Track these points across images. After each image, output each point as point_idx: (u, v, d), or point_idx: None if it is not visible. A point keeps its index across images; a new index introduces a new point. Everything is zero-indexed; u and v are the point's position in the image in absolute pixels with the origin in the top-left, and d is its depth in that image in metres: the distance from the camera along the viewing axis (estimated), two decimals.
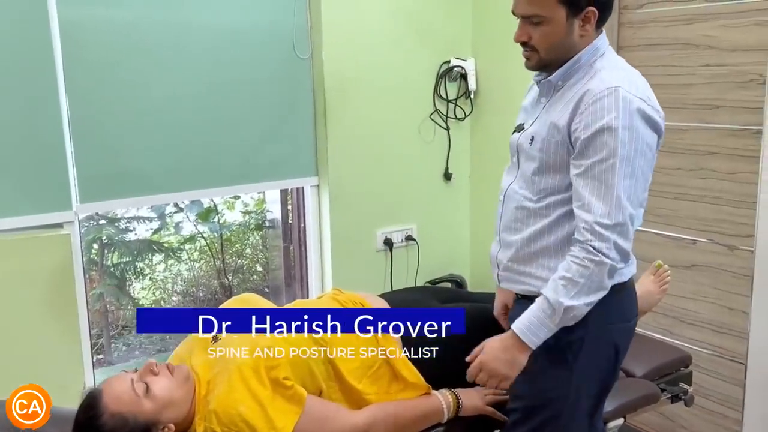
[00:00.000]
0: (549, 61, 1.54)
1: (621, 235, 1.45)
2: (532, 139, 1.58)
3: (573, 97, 1.50)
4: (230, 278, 4.37)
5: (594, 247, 1.44)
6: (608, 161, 1.43)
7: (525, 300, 1.64)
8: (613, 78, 1.47)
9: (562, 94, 1.55)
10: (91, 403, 1.50)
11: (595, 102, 1.44)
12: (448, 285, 3.19)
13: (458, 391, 1.76)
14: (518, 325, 1.50)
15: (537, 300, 1.50)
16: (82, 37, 2.31)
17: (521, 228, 1.61)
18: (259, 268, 4.47)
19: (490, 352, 1.54)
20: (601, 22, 1.54)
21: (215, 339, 1.66)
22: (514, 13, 1.55)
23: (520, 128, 1.67)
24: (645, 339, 2.31)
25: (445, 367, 1.79)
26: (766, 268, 2.27)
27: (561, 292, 1.46)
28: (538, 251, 1.59)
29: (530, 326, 1.49)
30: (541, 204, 1.58)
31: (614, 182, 1.43)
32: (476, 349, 1.58)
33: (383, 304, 1.86)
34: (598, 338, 1.56)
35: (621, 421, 1.90)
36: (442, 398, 1.73)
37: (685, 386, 2.09)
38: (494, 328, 1.84)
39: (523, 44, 1.55)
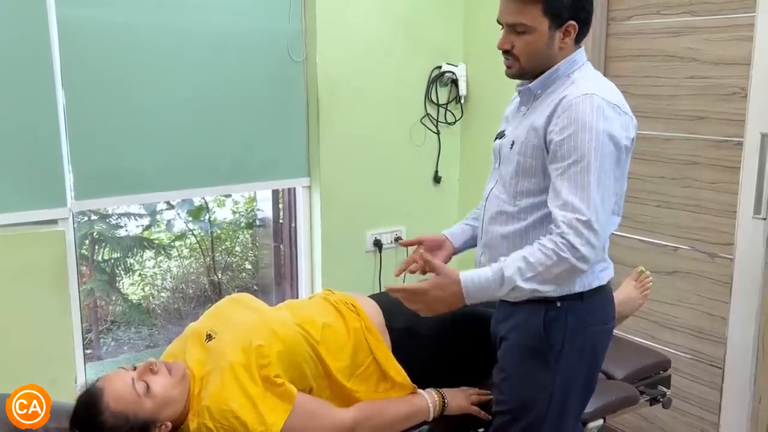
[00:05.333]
0: (529, 69, 1.61)
1: (594, 234, 1.47)
2: (513, 143, 1.63)
3: (550, 103, 1.56)
4: (220, 275, 4.40)
5: (568, 241, 1.46)
6: (582, 163, 1.47)
7: (507, 303, 1.69)
8: (588, 85, 1.54)
9: (541, 102, 1.61)
10: (92, 400, 1.52)
11: (571, 107, 1.50)
12: None
13: (444, 390, 1.81)
14: (466, 281, 1.52)
15: (493, 266, 1.52)
16: (80, 37, 2.34)
17: (501, 231, 1.66)
18: (249, 266, 4.50)
19: (436, 288, 1.56)
20: (580, 37, 1.61)
21: (209, 337, 1.70)
22: (499, 22, 1.62)
23: (501, 135, 1.73)
24: (626, 342, 2.36)
25: (433, 369, 1.85)
26: (745, 276, 2.33)
27: (517, 271, 1.48)
28: None
29: (475, 286, 1.52)
30: (518, 207, 1.62)
31: (589, 183, 1.47)
32: (422, 284, 1.59)
33: (373, 305, 1.90)
34: (578, 341, 1.61)
35: (600, 422, 1.94)
36: (429, 397, 1.78)
37: (664, 389, 2.15)
38: (481, 329, 1.89)
39: (506, 52, 1.62)
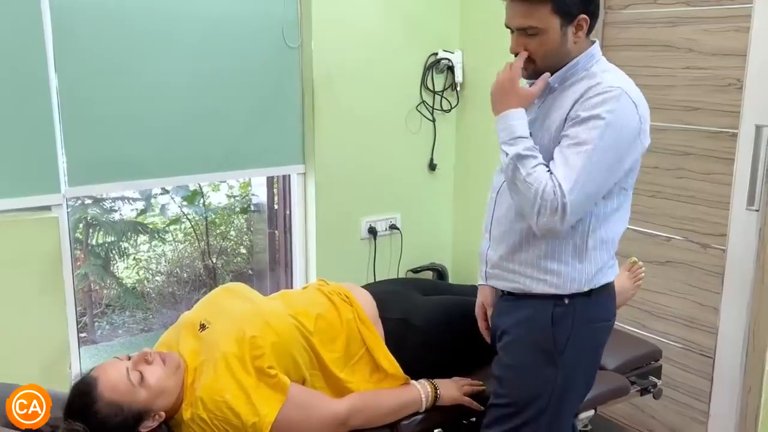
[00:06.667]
0: (545, 69, 1.60)
1: (561, 217, 1.47)
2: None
3: (574, 93, 1.55)
4: (214, 260, 4.40)
5: (546, 200, 1.46)
6: (584, 147, 1.47)
7: (511, 297, 1.70)
8: (616, 79, 1.55)
9: (560, 93, 1.60)
10: (86, 389, 1.53)
11: (597, 95, 1.50)
12: (430, 274, 3.24)
13: (437, 381, 1.82)
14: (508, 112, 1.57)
15: (525, 131, 1.55)
16: (73, 22, 2.32)
17: (513, 226, 1.65)
18: (243, 251, 4.50)
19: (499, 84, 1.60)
20: (590, 29, 1.60)
21: (202, 327, 1.71)
22: (508, 26, 1.59)
23: None
24: (617, 332, 2.35)
25: (427, 359, 1.86)
26: (737, 267, 2.34)
27: (513, 141, 1.53)
28: (531, 249, 1.63)
29: (507, 121, 1.56)
30: None
31: (580, 166, 1.46)
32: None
33: (367, 296, 1.91)
34: (582, 337, 1.61)
35: (591, 412, 1.97)
36: (421, 388, 1.79)
37: (655, 379, 2.16)
38: (473, 320, 1.90)
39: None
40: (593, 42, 1.63)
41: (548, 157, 1.55)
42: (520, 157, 1.51)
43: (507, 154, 1.53)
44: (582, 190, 1.48)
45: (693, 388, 2.58)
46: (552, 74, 1.60)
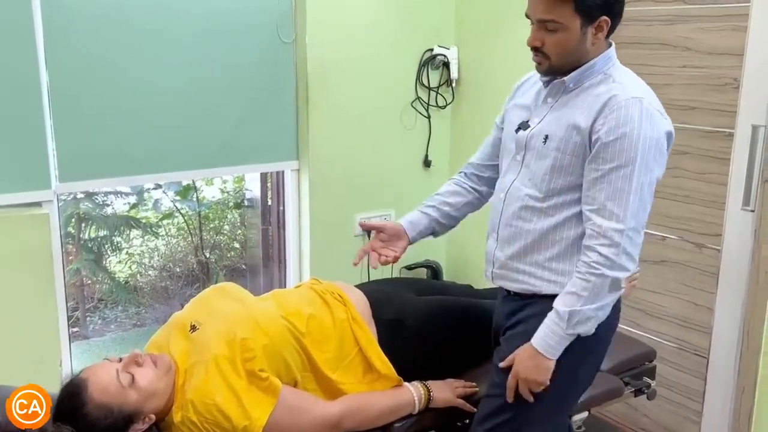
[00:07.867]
0: (560, 67, 1.58)
1: (630, 241, 1.50)
2: (546, 137, 1.60)
3: (595, 100, 1.53)
4: (207, 255, 4.38)
5: (601, 254, 1.49)
6: (627, 168, 1.48)
7: (517, 297, 1.69)
8: (636, 88, 1.54)
9: (576, 95, 1.58)
10: (76, 391, 1.51)
11: (621, 108, 1.49)
12: (424, 271, 3.23)
13: (430, 383, 1.80)
14: (537, 342, 1.57)
15: (549, 314, 1.56)
16: (64, 18, 2.30)
17: (525, 227, 1.64)
18: (237, 246, 4.49)
19: (519, 363, 1.60)
20: (611, 31, 1.58)
21: (193, 328, 1.69)
22: (528, 17, 1.57)
23: (525, 126, 1.67)
24: None
25: (420, 361, 1.85)
26: (732, 267, 2.33)
27: (566, 303, 1.53)
28: (542, 251, 1.62)
29: (543, 336, 1.56)
30: (548, 203, 1.60)
31: (630, 190, 1.48)
32: (506, 361, 1.64)
33: (360, 296, 1.90)
34: (587, 338, 1.60)
35: (585, 414, 1.96)
36: (414, 390, 1.77)
37: (649, 380, 2.16)
38: (468, 320, 1.89)
39: (535, 49, 1.57)
40: (610, 44, 1.61)
41: (564, 147, 1.56)
42: (572, 306, 1.53)
43: (584, 314, 1.53)
44: (634, 214, 1.49)
45: (687, 388, 2.58)
46: (567, 73, 1.58)
